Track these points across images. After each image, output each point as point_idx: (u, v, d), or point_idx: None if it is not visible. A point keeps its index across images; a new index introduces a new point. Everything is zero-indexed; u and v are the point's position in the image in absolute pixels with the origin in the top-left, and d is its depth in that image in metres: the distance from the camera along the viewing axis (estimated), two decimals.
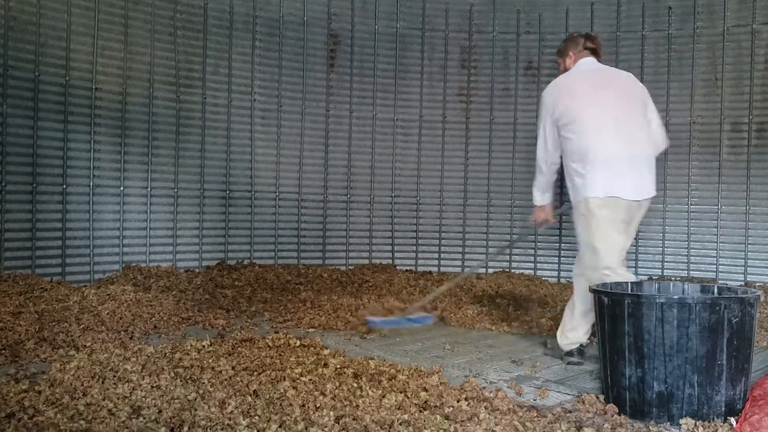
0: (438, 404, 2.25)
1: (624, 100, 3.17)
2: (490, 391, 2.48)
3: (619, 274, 2.99)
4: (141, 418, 2.03)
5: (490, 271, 6.15)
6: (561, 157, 3.25)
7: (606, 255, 3.01)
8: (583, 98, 3.15)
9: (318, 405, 2.17)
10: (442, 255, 6.30)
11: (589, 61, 3.32)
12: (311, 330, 3.88)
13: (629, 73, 3.34)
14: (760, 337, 3.74)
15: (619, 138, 3.07)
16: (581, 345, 3.22)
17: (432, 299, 4.22)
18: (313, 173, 6.07)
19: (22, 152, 4.67)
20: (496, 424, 2.08)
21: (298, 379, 2.47)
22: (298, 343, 3.08)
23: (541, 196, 3.42)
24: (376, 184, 6.22)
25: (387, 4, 6.18)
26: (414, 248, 6.28)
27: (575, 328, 3.21)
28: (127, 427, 1.97)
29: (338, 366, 2.68)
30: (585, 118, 3.10)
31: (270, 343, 3.05)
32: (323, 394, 2.29)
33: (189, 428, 1.97)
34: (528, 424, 2.10)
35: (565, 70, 3.38)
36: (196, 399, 2.20)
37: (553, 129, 3.20)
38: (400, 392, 2.36)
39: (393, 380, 2.52)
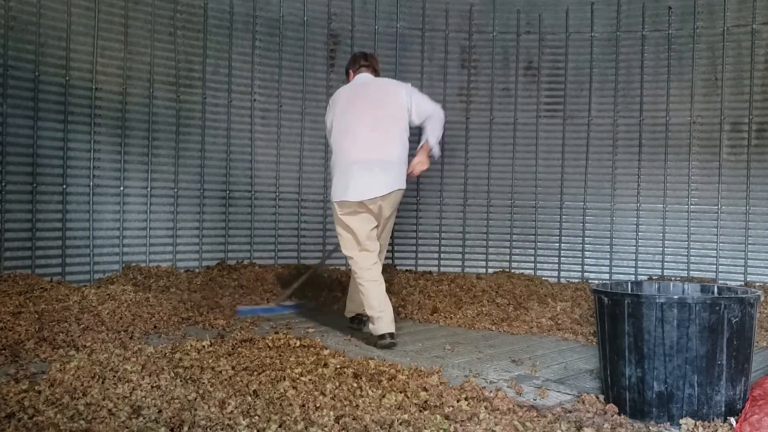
0: (438, 404, 2.25)
1: (374, 110, 3.69)
2: (490, 391, 2.48)
3: (358, 264, 3.67)
4: (141, 418, 2.03)
5: (491, 271, 6.15)
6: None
7: (344, 246, 3.75)
8: (339, 111, 3.75)
9: (318, 405, 2.17)
10: (442, 255, 6.30)
11: (362, 77, 3.88)
12: (311, 330, 3.89)
13: (391, 79, 4.02)
14: (760, 337, 3.74)
15: (354, 146, 3.63)
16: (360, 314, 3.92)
17: (293, 290, 4.74)
18: (313, 173, 6.07)
19: (22, 152, 4.67)
20: (496, 424, 2.08)
21: (298, 379, 2.47)
22: (298, 343, 3.08)
23: None
24: None
25: (387, 4, 6.18)
26: (414, 248, 6.28)
27: (352, 299, 3.95)
28: (127, 427, 1.97)
29: (338, 366, 2.68)
30: (335, 129, 3.75)
31: (270, 343, 3.05)
32: (323, 394, 2.29)
33: (189, 428, 1.97)
34: (528, 424, 2.10)
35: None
36: (196, 399, 2.20)
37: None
38: (400, 392, 2.36)
39: (393, 380, 2.52)
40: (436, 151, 3.81)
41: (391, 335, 3.53)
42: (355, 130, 3.64)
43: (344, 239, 3.74)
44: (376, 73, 3.96)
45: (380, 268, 3.72)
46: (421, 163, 3.79)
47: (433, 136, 3.75)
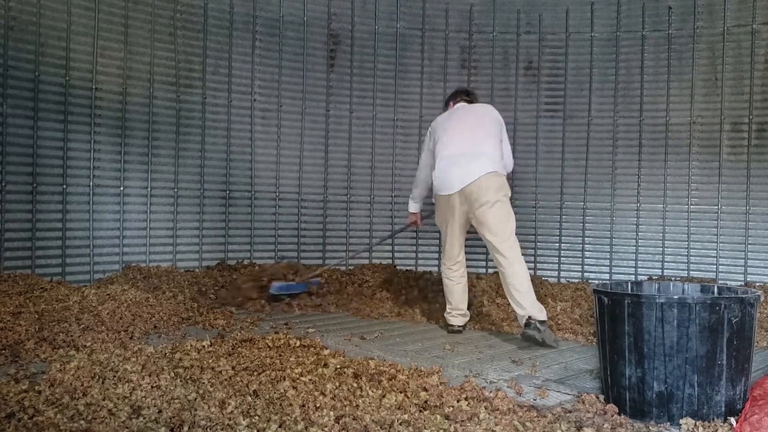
0: (438, 404, 2.25)
1: (474, 120, 4.01)
2: (490, 391, 2.48)
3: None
4: (141, 418, 2.03)
5: (491, 271, 6.15)
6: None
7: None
8: (440, 131, 4.04)
9: (318, 405, 2.17)
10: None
11: (460, 105, 4.22)
12: (311, 330, 3.88)
13: (490, 105, 4.25)
14: (760, 337, 3.74)
15: (454, 143, 3.89)
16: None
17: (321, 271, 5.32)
18: (313, 173, 6.07)
19: (22, 152, 4.67)
20: (496, 424, 2.08)
21: (298, 379, 2.47)
22: (298, 343, 3.08)
23: (415, 206, 4.44)
24: (376, 184, 6.22)
25: (387, 4, 6.18)
26: (414, 248, 6.28)
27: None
28: (127, 427, 1.97)
29: (338, 366, 2.68)
30: (442, 137, 3.98)
31: (270, 343, 3.05)
32: (323, 394, 2.29)
33: (189, 428, 1.97)
34: (528, 424, 2.10)
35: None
36: (196, 399, 2.20)
37: (430, 154, 4.10)
38: (400, 392, 2.36)
39: (393, 380, 2.52)
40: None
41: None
42: (451, 138, 3.94)
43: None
44: (471, 101, 4.29)
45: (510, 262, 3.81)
46: None
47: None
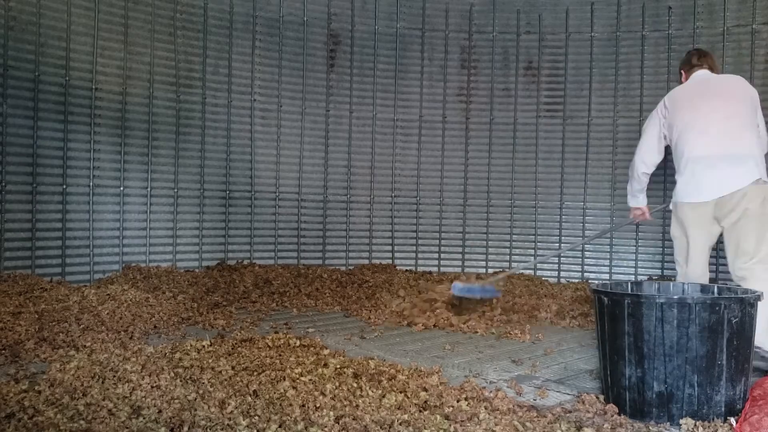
0: (438, 404, 2.25)
1: (726, 104, 3.36)
2: (490, 391, 2.48)
3: (688, 275, 3.50)
4: (141, 418, 2.03)
5: (491, 271, 6.15)
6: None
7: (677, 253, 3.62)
8: (685, 111, 3.44)
9: (318, 405, 2.17)
10: (442, 255, 6.30)
11: (700, 75, 3.58)
12: (311, 330, 3.88)
13: (739, 77, 3.52)
14: None
15: (705, 138, 3.34)
16: None
17: (499, 279, 4.83)
18: (313, 173, 6.07)
19: (22, 152, 4.67)
20: (496, 424, 2.08)
21: (298, 379, 2.47)
22: (298, 343, 3.08)
23: (636, 200, 3.95)
24: (376, 184, 6.22)
25: (387, 4, 6.18)
26: (414, 248, 6.28)
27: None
28: (127, 427, 1.97)
29: (338, 366, 2.68)
30: (678, 127, 3.46)
31: (270, 343, 3.05)
32: (323, 394, 2.29)
33: (189, 428, 1.97)
34: (528, 424, 2.10)
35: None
36: (196, 399, 2.20)
37: (658, 140, 3.68)
38: (400, 392, 2.36)
39: (393, 380, 2.52)
40: None
41: None
42: (701, 131, 3.36)
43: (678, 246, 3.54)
44: (713, 70, 3.61)
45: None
46: None
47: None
